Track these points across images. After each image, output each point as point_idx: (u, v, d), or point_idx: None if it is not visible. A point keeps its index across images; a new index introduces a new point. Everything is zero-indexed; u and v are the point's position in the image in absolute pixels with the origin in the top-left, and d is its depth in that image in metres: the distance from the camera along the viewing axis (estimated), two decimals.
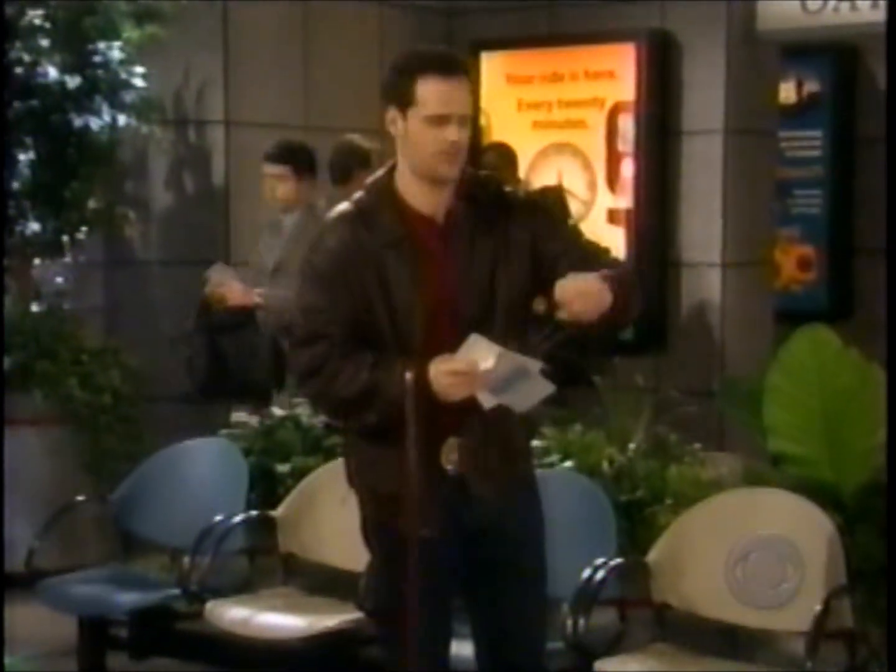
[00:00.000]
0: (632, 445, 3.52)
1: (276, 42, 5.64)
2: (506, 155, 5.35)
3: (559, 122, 5.86)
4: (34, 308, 5.10)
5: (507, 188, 2.55)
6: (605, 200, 5.80)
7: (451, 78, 2.35)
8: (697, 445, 3.61)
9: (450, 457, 2.44)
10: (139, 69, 4.99)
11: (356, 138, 4.90)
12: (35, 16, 4.73)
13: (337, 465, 2.90)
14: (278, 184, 4.53)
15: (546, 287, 2.36)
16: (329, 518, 3.43)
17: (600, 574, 3.10)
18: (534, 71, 5.94)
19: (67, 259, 5.26)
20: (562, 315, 2.30)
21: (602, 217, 5.79)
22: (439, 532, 2.41)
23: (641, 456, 3.48)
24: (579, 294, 2.28)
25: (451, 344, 2.37)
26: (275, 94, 5.63)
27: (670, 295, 5.77)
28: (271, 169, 4.58)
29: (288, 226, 4.58)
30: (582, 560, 3.14)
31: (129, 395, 5.11)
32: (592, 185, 5.82)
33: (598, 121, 5.77)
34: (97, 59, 4.90)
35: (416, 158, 2.38)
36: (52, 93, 4.80)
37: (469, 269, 2.42)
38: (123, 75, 4.94)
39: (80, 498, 4.09)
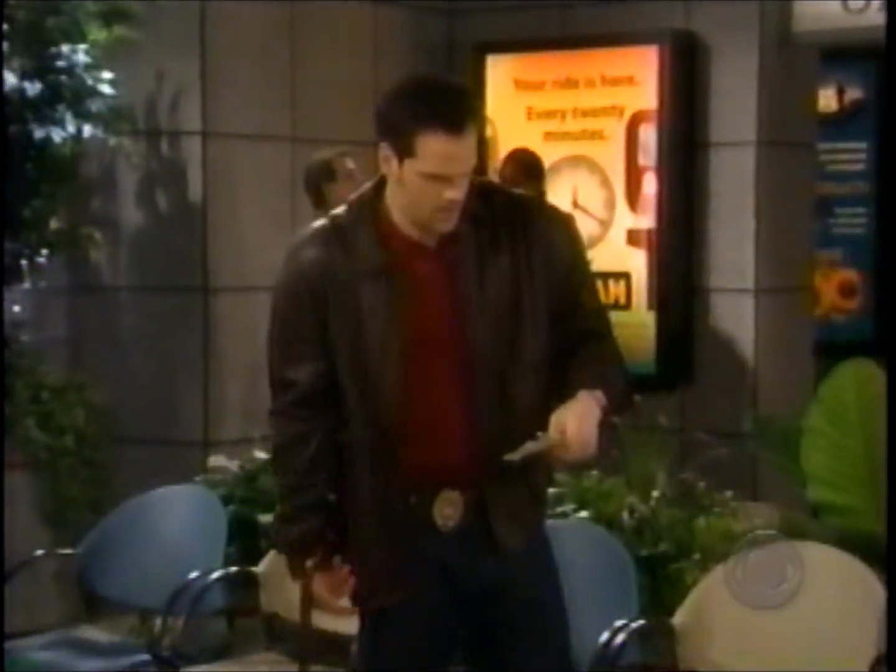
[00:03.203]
0: (655, 493, 3.54)
1: (260, 45, 5.69)
2: (527, 165, 5.38)
3: (574, 133, 5.91)
4: None
5: (523, 196, 2.53)
6: (625, 220, 5.84)
7: (458, 135, 2.30)
8: (728, 493, 3.63)
9: (443, 511, 2.42)
10: (107, 75, 5.02)
11: (325, 154, 5.01)
12: None
13: None
14: None
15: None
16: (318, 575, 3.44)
17: (620, 638, 3.12)
18: (545, 76, 5.99)
19: (26, 285, 5.28)
20: (556, 454, 2.33)
21: (621, 238, 5.83)
22: (428, 594, 2.41)
23: (665, 505, 3.50)
24: (580, 438, 2.31)
25: (443, 397, 2.38)
26: (258, 103, 5.67)
27: (697, 325, 5.80)
28: None
29: None
30: (599, 622, 3.15)
31: (94, 437, 5.12)
32: (610, 203, 5.86)
33: (616, 131, 5.81)
34: (60, 63, 4.93)
35: (409, 207, 2.38)
36: (9, 101, 4.83)
37: (480, 302, 2.39)
38: (89, 81, 4.97)
39: (39, 552, 4.10)
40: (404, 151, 2.31)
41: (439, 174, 2.31)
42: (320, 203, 4.63)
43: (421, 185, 2.32)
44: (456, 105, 2.33)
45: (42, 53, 4.90)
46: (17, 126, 4.87)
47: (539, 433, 2.33)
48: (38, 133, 4.85)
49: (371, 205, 2.41)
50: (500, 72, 6.10)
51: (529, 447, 2.33)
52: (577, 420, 2.31)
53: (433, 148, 2.29)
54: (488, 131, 6.13)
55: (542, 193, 5.38)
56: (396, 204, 2.39)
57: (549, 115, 5.99)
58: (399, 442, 2.40)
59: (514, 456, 2.32)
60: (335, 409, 2.44)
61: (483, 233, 2.41)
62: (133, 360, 5.61)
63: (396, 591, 2.41)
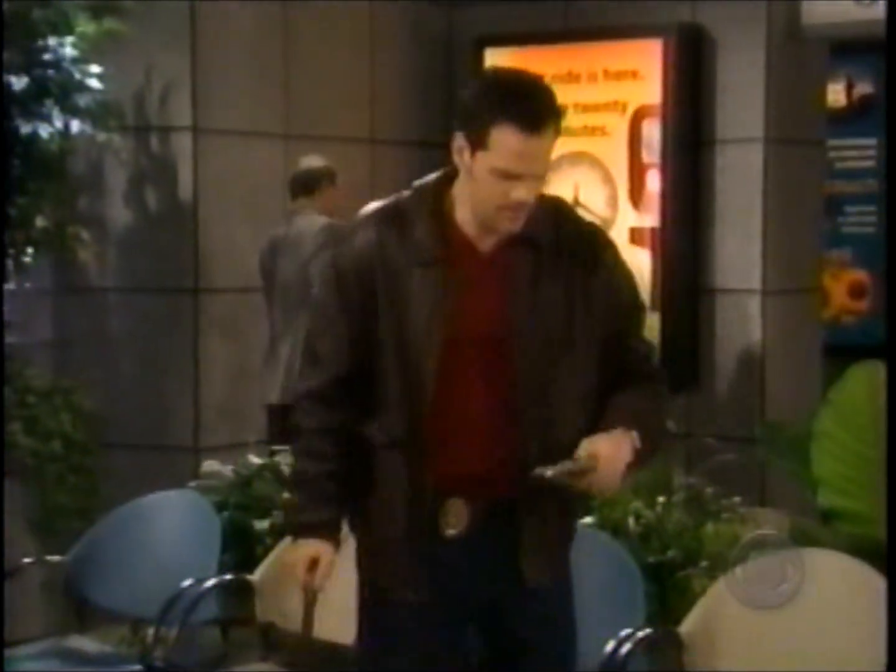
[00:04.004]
0: (661, 499, 3.56)
1: (252, 39, 5.72)
2: None
3: (575, 129, 5.93)
4: None
5: (593, 227, 2.54)
6: (628, 218, 5.87)
7: (534, 133, 2.31)
8: (736, 499, 3.65)
9: (448, 519, 2.44)
10: (95, 69, 5.04)
11: (313, 160, 5.20)
12: None
13: None
14: None
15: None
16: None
17: (626, 647, 3.12)
18: (546, 70, 5.94)
19: (11, 286, 5.30)
20: (582, 482, 2.35)
21: (624, 237, 5.85)
22: (434, 600, 2.43)
23: (672, 511, 3.52)
24: (610, 469, 2.35)
25: (478, 405, 2.39)
26: (250, 98, 5.70)
27: (703, 327, 5.83)
28: None
29: None
30: (605, 631, 3.16)
31: (82, 442, 5.14)
32: (613, 201, 5.89)
33: (619, 127, 5.84)
34: (47, 56, 4.95)
35: (476, 202, 2.39)
36: None
37: (527, 317, 2.40)
38: (77, 76, 4.99)
39: (26, 560, 4.11)
40: (478, 143, 2.33)
41: (510, 171, 2.32)
42: (308, 193, 4.94)
43: (490, 181, 2.33)
44: (536, 102, 2.34)
45: (28, 47, 4.91)
46: (3, 121, 4.88)
47: (578, 455, 2.36)
48: (25, 129, 4.87)
49: (435, 195, 2.43)
50: (499, 65, 6.12)
51: (566, 465, 2.34)
52: (610, 450, 2.35)
53: (506, 142, 2.30)
54: None
55: None
56: (463, 198, 2.41)
57: None
58: (428, 441, 2.41)
59: (547, 471, 2.33)
60: (364, 400, 2.45)
61: (542, 252, 2.42)
62: (121, 363, 5.63)
63: (406, 590, 2.43)
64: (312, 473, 2.48)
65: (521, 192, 2.34)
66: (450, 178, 2.44)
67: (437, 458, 2.42)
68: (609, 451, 2.35)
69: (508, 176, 2.32)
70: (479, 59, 6.14)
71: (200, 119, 5.54)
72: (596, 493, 2.41)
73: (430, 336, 2.39)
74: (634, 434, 2.39)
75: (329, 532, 2.49)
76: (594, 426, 2.40)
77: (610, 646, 3.12)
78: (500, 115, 2.30)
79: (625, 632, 3.15)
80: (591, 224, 2.55)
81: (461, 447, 2.42)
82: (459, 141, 2.38)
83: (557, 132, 2.36)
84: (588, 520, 3.51)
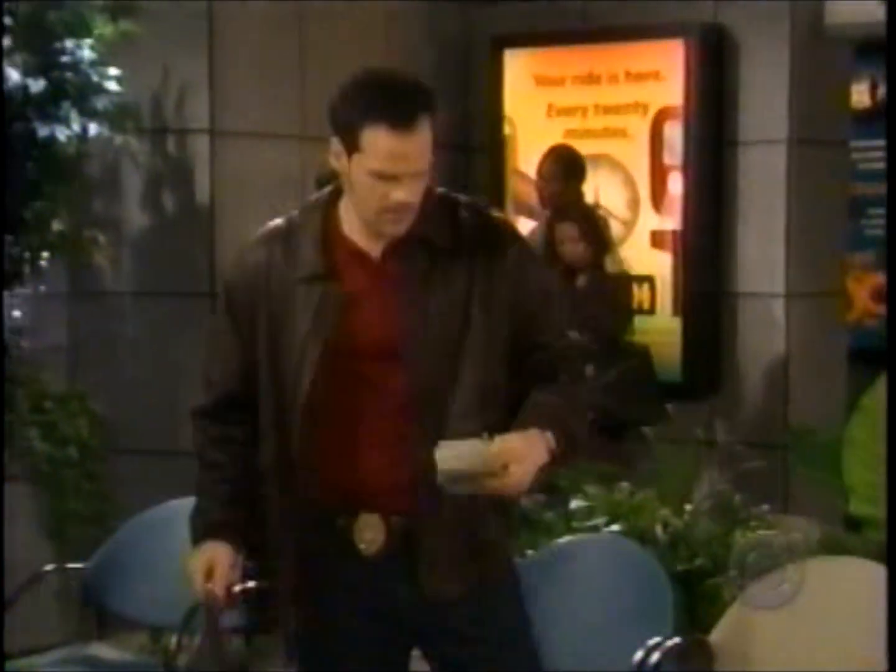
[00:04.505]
0: (689, 507, 3.57)
1: (269, 41, 5.74)
2: (569, 162, 5.42)
3: (596, 131, 5.96)
4: None
5: (496, 220, 2.45)
6: (649, 221, 5.89)
7: (405, 131, 2.26)
8: (765, 507, 3.67)
9: (364, 535, 2.40)
10: (113, 71, 5.08)
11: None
12: None
13: None
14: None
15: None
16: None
17: (655, 656, 3.14)
18: (566, 71, 6.05)
19: (26, 290, 5.33)
20: (490, 483, 2.26)
21: (645, 240, 5.88)
22: (363, 624, 2.41)
23: (700, 519, 3.53)
24: (519, 473, 2.26)
25: (369, 419, 2.36)
26: (266, 100, 5.72)
27: (725, 330, 5.85)
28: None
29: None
30: (633, 640, 3.17)
31: (97, 448, 5.17)
32: (634, 204, 5.91)
33: (640, 129, 5.86)
34: (65, 59, 4.97)
35: (357, 207, 2.36)
36: (12, 98, 4.88)
37: (418, 323, 2.34)
38: (95, 78, 5.02)
39: (47, 567, 4.13)
40: (352, 146, 2.30)
41: (386, 172, 2.27)
42: None
43: (368, 184, 2.29)
44: (403, 98, 2.29)
45: (45, 49, 4.94)
46: (20, 124, 4.91)
47: (485, 435, 2.26)
48: (42, 132, 4.90)
49: (324, 208, 2.41)
50: (518, 67, 6.14)
51: (462, 449, 2.24)
52: (521, 450, 2.27)
53: (378, 143, 2.26)
54: (506, 129, 6.19)
55: (580, 194, 5.43)
56: (348, 207, 2.39)
57: (569, 111, 6.04)
58: (317, 461, 2.38)
59: (444, 449, 2.24)
60: (254, 420, 2.46)
61: (435, 253, 2.36)
62: (135, 368, 5.65)
63: (314, 612, 2.42)
64: (208, 481, 2.51)
65: (400, 194, 2.29)
66: (339, 192, 2.42)
67: (338, 474, 2.38)
68: (520, 451, 2.28)
69: (385, 177, 2.28)
70: (498, 59, 6.16)
71: (217, 121, 5.56)
72: (505, 493, 2.31)
73: (304, 355, 2.35)
74: (549, 435, 2.33)
75: (227, 533, 2.47)
76: (507, 427, 2.33)
77: (639, 655, 3.14)
78: (370, 115, 2.27)
79: (654, 640, 3.16)
80: (493, 219, 2.45)
81: (363, 462, 2.38)
82: (335, 146, 2.34)
83: (434, 128, 2.32)
84: (615, 527, 3.53)
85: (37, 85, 4.90)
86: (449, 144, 6.37)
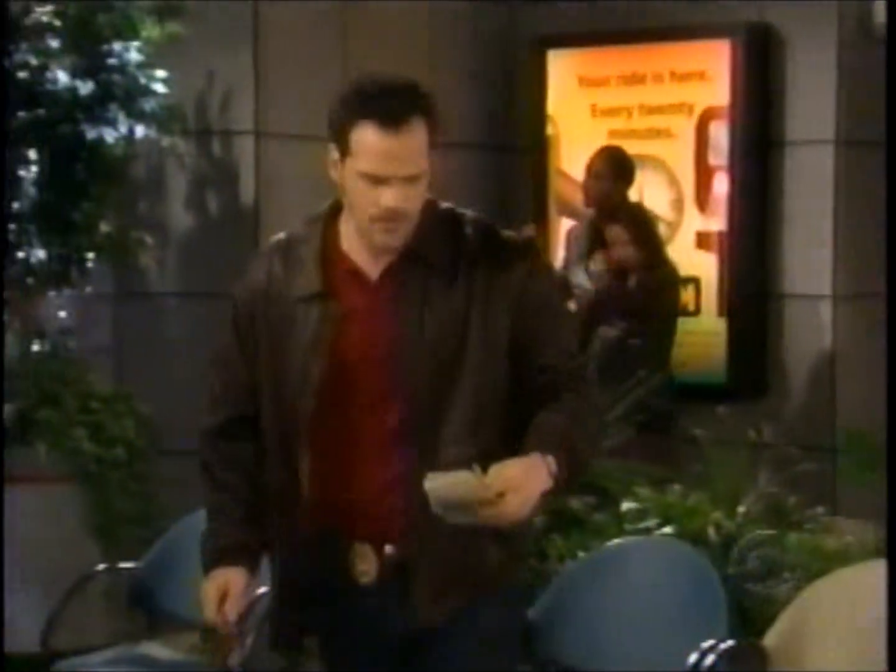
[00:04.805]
0: (741, 509, 3.58)
1: (313, 42, 5.78)
2: (618, 163, 5.44)
3: (640, 131, 5.97)
4: (35, 348, 5.21)
5: (499, 234, 2.35)
6: (694, 222, 5.89)
7: (394, 130, 2.20)
8: (819, 509, 3.67)
9: (360, 567, 2.35)
10: (160, 73, 5.13)
11: None
12: (43, 13, 4.88)
13: None
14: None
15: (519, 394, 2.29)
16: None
17: (709, 659, 3.15)
18: (610, 71, 6.06)
19: (71, 291, 5.39)
20: (484, 513, 2.17)
21: (690, 241, 5.88)
22: (356, 642, 2.36)
23: (753, 521, 3.55)
24: (515, 503, 2.17)
25: (365, 444, 2.30)
26: (310, 101, 5.74)
27: (771, 332, 5.84)
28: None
29: None
30: (687, 643, 3.19)
31: (143, 449, 5.22)
32: (679, 205, 5.91)
33: (686, 129, 5.87)
34: (112, 61, 5.04)
35: (352, 217, 2.30)
36: (61, 100, 4.95)
37: (415, 345, 2.27)
38: (142, 80, 5.08)
39: (99, 567, 4.18)
40: (344, 149, 2.26)
41: (374, 174, 2.21)
42: None
43: (359, 189, 2.23)
44: (394, 97, 2.23)
45: (93, 51, 5.01)
46: (68, 126, 4.98)
47: (475, 467, 2.17)
48: (90, 134, 4.96)
49: (325, 222, 2.34)
50: (562, 67, 6.16)
51: (452, 480, 2.16)
52: (519, 477, 2.19)
53: (366, 142, 2.21)
54: (549, 130, 6.22)
55: (625, 196, 5.44)
56: (347, 219, 2.33)
57: (613, 112, 6.05)
58: (315, 485, 2.32)
59: (433, 481, 2.16)
60: (258, 443, 2.41)
61: (433, 271, 2.30)
62: (181, 368, 5.69)
63: (312, 635, 2.37)
64: (220, 502, 2.43)
65: (389, 198, 2.21)
66: (341, 205, 2.35)
67: (333, 499, 2.33)
68: (517, 479, 2.19)
69: (375, 180, 2.22)
70: (541, 60, 6.18)
71: (262, 123, 5.60)
72: (502, 523, 2.21)
73: (304, 376, 2.29)
74: (551, 459, 2.23)
75: (242, 557, 2.40)
76: (508, 452, 2.25)
77: (693, 658, 3.16)
78: (359, 115, 2.22)
79: (707, 643, 3.18)
80: (498, 237, 2.35)
81: (357, 488, 2.33)
82: (332, 154, 2.31)
83: (430, 132, 2.24)
84: (667, 530, 3.55)
85: (85, 87, 4.97)
86: (492, 145, 6.41)
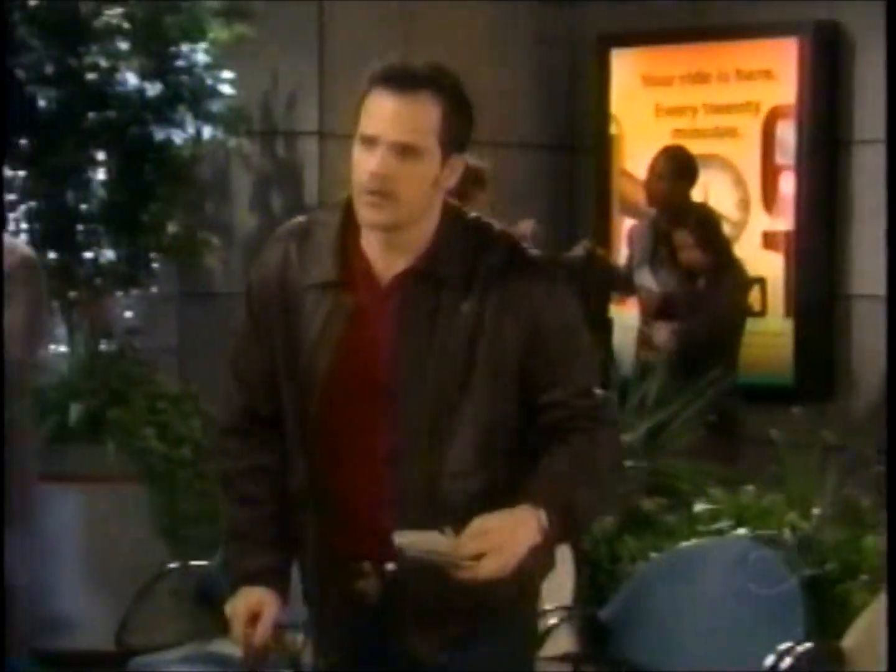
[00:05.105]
0: (816, 510, 3.58)
1: (377, 43, 5.80)
2: (681, 162, 5.44)
3: (705, 131, 5.96)
4: (103, 347, 5.27)
5: (517, 246, 2.19)
6: (761, 222, 5.87)
7: (398, 92, 2.08)
8: None
9: (360, 583, 2.18)
10: (227, 74, 5.18)
11: (466, 157, 5.07)
12: (113, 15, 4.95)
13: None
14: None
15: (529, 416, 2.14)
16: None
17: (787, 661, 3.15)
18: (674, 70, 6.05)
19: (138, 291, 5.45)
20: (459, 575, 2.03)
21: (756, 241, 5.86)
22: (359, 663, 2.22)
23: (828, 523, 3.54)
24: (491, 567, 2.03)
25: (361, 457, 2.14)
26: None
27: (838, 333, 5.81)
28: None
29: None
30: (764, 645, 3.19)
31: (209, 448, 5.26)
32: (745, 204, 5.90)
33: (752, 128, 5.85)
34: (180, 63, 5.10)
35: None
36: (130, 102, 5.02)
37: (418, 366, 2.12)
38: (209, 81, 5.14)
39: (171, 566, 4.23)
40: (357, 122, 2.14)
41: (366, 134, 2.09)
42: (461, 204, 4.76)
43: (356, 159, 2.11)
44: (408, 67, 2.12)
45: (162, 53, 5.07)
46: (137, 128, 5.05)
47: (447, 530, 2.03)
48: (159, 135, 5.02)
49: (345, 210, 2.18)
50: (625, 66, 6.16)
51: (421, 542, 2.02)
52: (500, 535, 2.03)
53: (370, 104, 2.10)
54: (612, 129, 6.22)
55: (687, 196, 5.43)
56: None
57: (678, 111, 6.05)
58: (318, 492, 2.19)
59: (402, 538, 2.03)
60: (283, 441, 2.24)
61: (444, 288, 2.14)
62: None
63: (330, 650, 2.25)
64: (247, 520, 2.25)
65: (374, 161, 2.06)
66: None
67: (337, 511, 2.19)
68: (499, 538, 2.03)
69: (369, 143, 2.08)
70: (605, 59, 6.19)
71: (326, 123, 5.65)
72: (479, 584, 2.05)
73: (312, 372, 2.15)
74: (542, 514, 2.06)
75: (273, 579, 2.23)
76: (514, 488, 2.10)
77: (770, 659, 3.16)
78: (372, 81, 2.11)
79: (784, 646, 3.18)
80: (520, 253, 2.18)
81: (359, 503, 2.17)
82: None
83: (446, 116, 2.10)
84: (741, 531, 3.55)
85: (153, 89, 5.03)
86: (555, 145, 6.42)
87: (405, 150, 2.08)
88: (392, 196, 2.09)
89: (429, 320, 2.13)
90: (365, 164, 2.09)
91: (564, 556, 3.56)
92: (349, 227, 2.17)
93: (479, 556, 2.03)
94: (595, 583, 3.64)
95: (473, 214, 2.23)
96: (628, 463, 3.89)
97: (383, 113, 2.08)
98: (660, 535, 3.61)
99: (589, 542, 3.72)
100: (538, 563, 2.15)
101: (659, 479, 3.88)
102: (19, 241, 3.68)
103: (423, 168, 2.11)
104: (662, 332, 5.10)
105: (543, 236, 5.13)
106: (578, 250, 5.44)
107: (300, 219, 2.29)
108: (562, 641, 3.42)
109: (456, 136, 2.15)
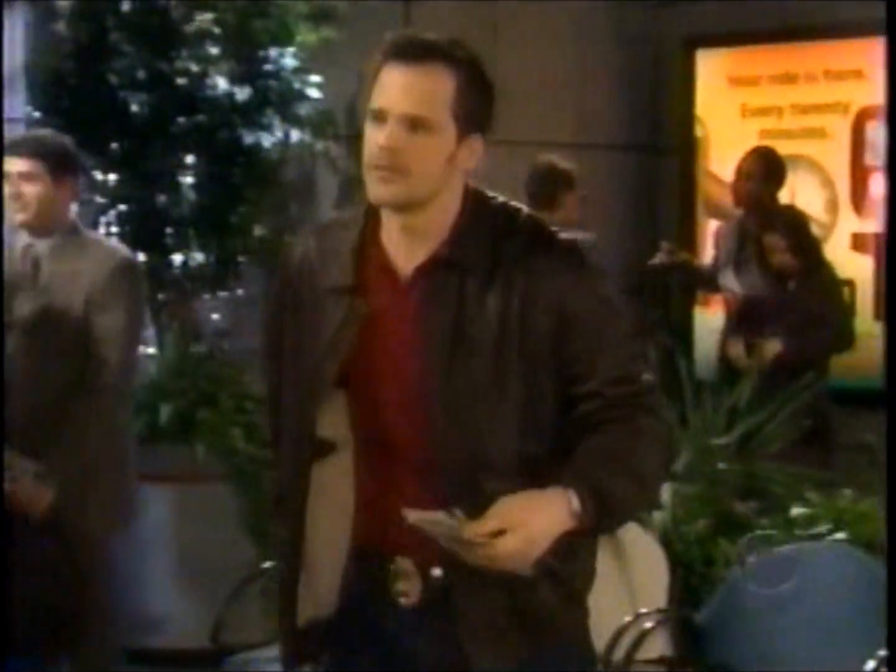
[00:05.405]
0: None
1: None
2: (770, 164, 5.43)
3: (793, 131, 5.93)
4: (192, 349, 5.35)
5: (544, 229, 2.07)
6: (850, 223, 5.83)
7: (410, 64, 2.00)
8: None
9: (397, 586, 2.06)
10: (314, 78, 5.24)
11: (554, 159, 5.10)
12: (203, 20, 5.03)
13: None
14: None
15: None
16: None
17: (885, 670, 3.14)
18: (761, 71, 6.04)
19: (225, 293, 5.52)
20: (477, 554, 1.92)
21: (845, 243, 5.83)
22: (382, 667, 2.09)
23: None
24: (517, 533, 1.92)
25: (394, 455, 2.05)
26: None
27: None
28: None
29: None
30: (862, 651, 3.17)
31: None
32: (833, 206, 5.86)
33: (841, 129, 5.82)
34: (269, 67, 5.17)
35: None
36: (219, 106, 5.09)
37: (448, 355, 2.01)
38: (297, 85, 5.20)
39: (265, 566, 4.29)
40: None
41: (375, 108, 2.02)
42: (550, 208, 4.78)
43: (367, 136, 2.04)
44: (421, 39, 2.06)
45: (250, 57, 5.14)
46: (226, 131, 5.12)
47: (457, 511, 1.93)
48: (248, 138, 5.09)
49: (368, 209, 2.10)
50: (711, 67, 6.16)
51: (429, 519, 1.93)
52: (520, 514, 1.93)
53: (382, 78, 2.03)
54: (698, 130, 6.20)
55: (775, 198, 5.41)
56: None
57: (765, 111, 6.03)
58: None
59: (410, 515, 1.94)
60: None
61: (469, 276, 2.03)
62: None
63: (342, 657, 2.12)
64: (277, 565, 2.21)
65: (382, 136, 1.98)
66: None
67: (366, 509, 2.08)
68: (518, 515, 1.92)
69: (379, 117, 2.01)
70: (690, 60, 6.18)
71: None
72: (502, 566, 1.94)
73: (318, 378, 2.05)
74: (573, 494, 1.95)
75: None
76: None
77: (869, 665, 3.14)
78: (384, 55, 2.04)
79: (884, 651, 3.16)
80: (547, 235, 2.07)
81: (392, 503, 2.03)
82: None
83: (461, 89, 1.99)
84: (839, 535, 3.53)
85: (242, 93, 5.10)
86: (639, 146, 6.42)
87: (416, 123, 1.99)
88: (403, 170, 2.00)
89: (455, 312, 2.02)
90: (374, 138, 2.01)
91: (658, 557, 3.57)
92: (370, 225, 2.09)
93: (497, 535, 1.92)
94: (689, 586, 3.64)
95: (500, 198, 2.11)
96: (721, 465, 3.89)
97: (393, 85, 2.01)
98: (755, 538, 3.60)
99: (682, 545, 3.71)
100: (578, 563, 2.05)
101: (752, 483, 3.87)
102: (120, 245, 3.72)
103: (436, 143, 2.00)
104: (773, 346, 5.05)
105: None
106: (661, 256, 5.44)
107: (318, 224, 2.23)
108: (657, 644, 3.43)
109: (473, 112, 2.03)
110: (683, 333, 6.09)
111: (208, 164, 5.16)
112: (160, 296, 5.26)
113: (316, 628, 2.11)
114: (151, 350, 5.19)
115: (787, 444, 4.15)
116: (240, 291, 5.60)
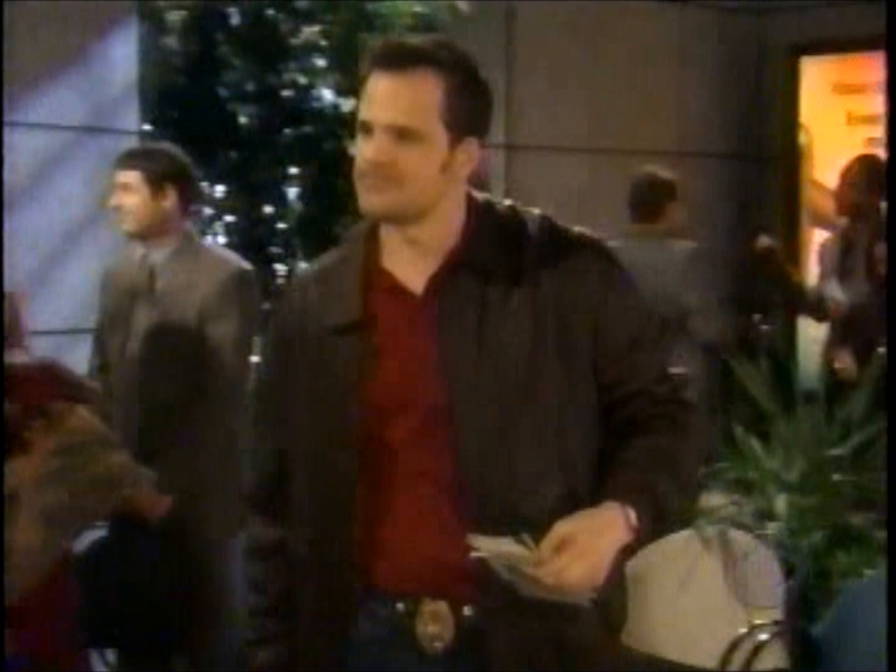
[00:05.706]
0: None
1: (563, 54, 5.86)
2: (875, 172, 5.37)
3: None
4: None
5: (572, 235, 2.00)
6: None
7: (392, 71, 1.90)
8: None
9: (430, 629, 1.94)
10: None
11: (656, 169, 5.09)
12: (310, 33, 5.11)
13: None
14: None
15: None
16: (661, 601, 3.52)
17: None
18: (867, 78, 5.97)
19: None
20: (542, 585, 1.82)
21: None
22: None
23: None
24: (573, 573, 1.82)
25: (419, 488, 1.93)
26: (561, 114, 5.83)
27: None
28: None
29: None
30: None
31: None
32: None
33: None
34: None
35: None
36: (325, 118, 5.17)
37: (474, 369, 1.91)
38: None
39: None
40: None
41: (362, 121, 1.94)
42: (653, 218, 4.79)
43: (357, 147, 1.97)
44: (403, 45, 1.95)
45: (356, 69, 5.20)
46: (332, 142, 5.20)
47: (525, 536, 1.82)
48: (353, 150, 5.15)
49: (366, 238, 2.00)
50: (815, 74, 6.11)
51: (496, 547, 1.82)
52: (584, 543, 1.83)
53: (368, 89, 1.94)
54: (802, 138, 6.15)
55: (878, 207, 5.35)
56: (385, 228, 2.00)
57: (871, 120, 5.97)
58: (361, 541, 1.95)
59: (475, 542, 1.83)
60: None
61: (489, 280, 1.93)
62: None
63: None
64: (254, 608, 2.13)
65: (369, 148, 1.90)
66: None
67: (392, 552, 1.95)
68: (582, 541, 1.83)
69: (366, 130, 1.93)
70: (794, 67, 6.14)
71: (512, 136, 5.71)
72: (567, 597, 1.86)
73: (344, 414, 1.94)
74: (630, 511, 1.88)
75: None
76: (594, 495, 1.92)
77: None
78: (370, 63, 1.95)
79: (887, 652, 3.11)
80: (563, 233, 1.99)
81: (421, 540, 1.94)
82: None
83: (450, 91, 1.90)
84: None
85: (348, 104, 5.17)
86: (742, 154, 6.38)
87: (403, 133, 1.90)
88: (394, 179, 1.91)
89: (478, 319, 1.92)
90: (363, 151, 1.93)
91: (774, 569, 3.54)
92: (369, 253, 1.98)
93: (558, 562, 1.82)
94: (804, 598, 3.60)
95: (507, 202, 2.03)
96: (836, 477, 3.85)
97: (377, 95, 1.92)
98: (871, 550, 3.56)
99: (797, 558, 3.68)
100: (612, 583, 1.93)
101: (869, 495, 3.82)
102: (234, 254, 3.79)
103: (427, 151, 1.91)
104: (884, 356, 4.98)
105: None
106: (763, 240, 5.35)
107: (323, 257, 2.09)
108: (773, 656, 3.40)
109: (465, 116, 1.93)
110: (788, 344, 6.04)
111: (314, 175, 5.24)
112: (265, 305, 5.34)
113: None
114: (256, 359, 5.28)
115: None
116: None
